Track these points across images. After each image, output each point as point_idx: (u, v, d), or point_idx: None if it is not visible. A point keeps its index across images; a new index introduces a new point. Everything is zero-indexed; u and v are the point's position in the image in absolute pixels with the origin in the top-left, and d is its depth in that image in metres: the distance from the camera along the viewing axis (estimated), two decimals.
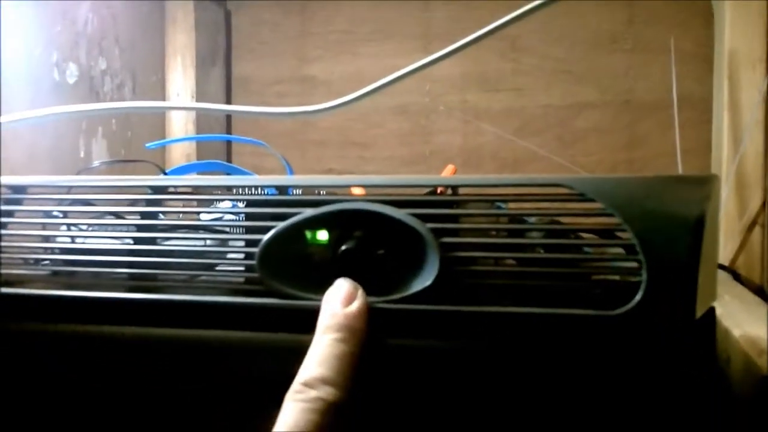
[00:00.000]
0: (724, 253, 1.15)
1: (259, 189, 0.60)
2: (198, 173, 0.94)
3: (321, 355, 0.47)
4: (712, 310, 0.51)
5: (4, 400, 0.58)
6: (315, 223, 0.53)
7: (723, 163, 1.19)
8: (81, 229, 0.60)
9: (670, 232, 0.47)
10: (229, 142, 1.59)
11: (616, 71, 1.43)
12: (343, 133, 1.54)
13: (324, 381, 0.45)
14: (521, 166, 1.45)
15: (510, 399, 0.50)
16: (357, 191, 0.57)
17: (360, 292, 0.50)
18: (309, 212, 0.52)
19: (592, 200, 0.48)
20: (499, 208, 0.53)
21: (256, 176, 0.63)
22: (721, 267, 1.11)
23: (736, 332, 0.65)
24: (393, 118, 1.52)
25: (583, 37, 1.44)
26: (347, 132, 1.54)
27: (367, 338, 0.49)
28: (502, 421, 0.51)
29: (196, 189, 0.59)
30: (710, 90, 1.33)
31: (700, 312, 0.47)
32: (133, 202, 0.57)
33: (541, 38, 1.46)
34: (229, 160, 1.56)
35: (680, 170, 1.14)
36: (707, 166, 1.31)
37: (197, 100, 1.49)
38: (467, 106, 1.49)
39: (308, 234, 0.53)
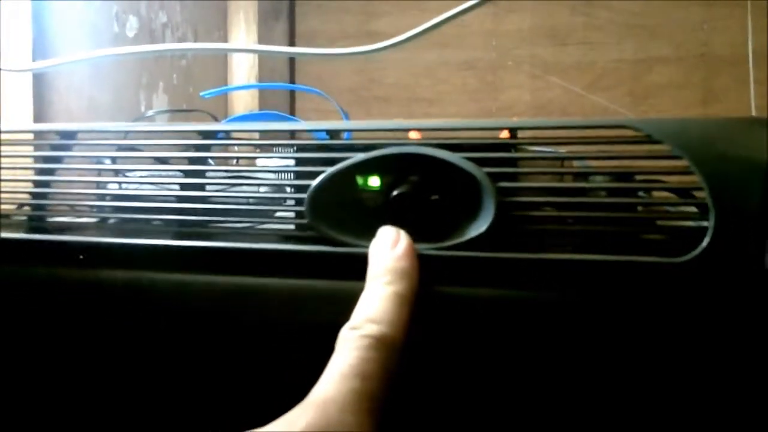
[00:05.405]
0: None
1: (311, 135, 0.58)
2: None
3: (368, 299, 0.46)
4: None
5: (55, 345, 0.57)
6: (366, 167, 0.51)
7: None
8: (129, 176, 0.58)
9: (740, 175, 0.44)
10: (292, 97, 1.58)
11: (692, 24, 1.39)
12: (408, 89, 1.52)
13: (370, 320, 0.44)
14: None
15: (567, 350, 0.48)
16: (414, 136, 0.55)
17: (403, 234, 0.48)
18: (360, 156, 0.50)
19: (659, 142, 0.46)
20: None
21: (306, 122, 0.61)
22: None
23: None
24: (460, 73, 1.50)
25: None
26: (413, 88, 1.52)
27: (420, 286, 0.47)
28: (559, 370, 0.48)
29: (244, 134, 0.57)
30: None
31: None
32: (182, 149, 0.56)
33: None
34: (292, 113, 1.55)
35: None
36: None
37: (260, 58, 1.48)
38: (536, 61, 1.46)
39: (360, 179, 0.52)
